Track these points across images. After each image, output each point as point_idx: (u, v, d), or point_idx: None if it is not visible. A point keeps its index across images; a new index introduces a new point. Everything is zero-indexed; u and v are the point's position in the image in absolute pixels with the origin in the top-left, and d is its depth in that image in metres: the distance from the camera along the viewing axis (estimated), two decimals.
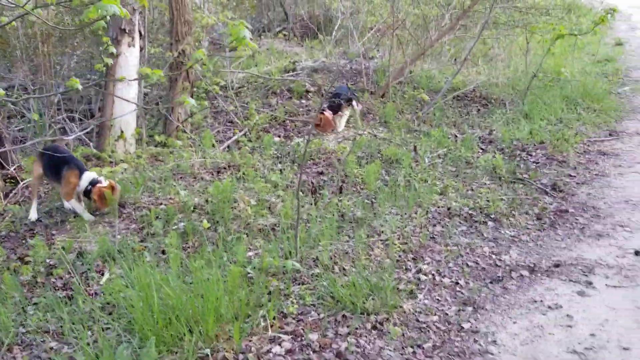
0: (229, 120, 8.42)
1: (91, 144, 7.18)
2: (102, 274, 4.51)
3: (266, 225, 5.07)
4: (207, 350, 3.50)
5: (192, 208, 5.33)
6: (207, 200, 5.47)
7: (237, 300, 3.83)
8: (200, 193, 5.68)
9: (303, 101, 8.89)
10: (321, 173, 6.26)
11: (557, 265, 4.61)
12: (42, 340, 3.79)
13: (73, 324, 3.77)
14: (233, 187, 5.37)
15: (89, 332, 3.73)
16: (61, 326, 3.89)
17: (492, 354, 3.65)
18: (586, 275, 4.46)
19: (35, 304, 4.13)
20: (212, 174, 6.26)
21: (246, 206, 5.12)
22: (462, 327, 3.89)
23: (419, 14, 9.02)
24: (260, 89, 9.33)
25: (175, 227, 5.08)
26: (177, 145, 6.89)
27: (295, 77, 9.58)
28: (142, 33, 7.44)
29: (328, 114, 7.21)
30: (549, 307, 4.09)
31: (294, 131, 7.68)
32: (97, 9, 2.95)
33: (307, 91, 9.09)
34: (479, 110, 8.53)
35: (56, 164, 5.36)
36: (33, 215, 5.41)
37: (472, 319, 3.97)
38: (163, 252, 4.72)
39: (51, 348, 3.72)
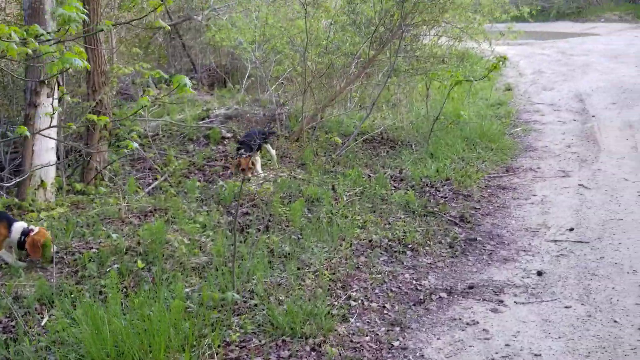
0: (147, 168, 8.56)
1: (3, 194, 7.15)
2: (42, 316, 4.60)
3: (199, 264, 5.29)
4: None
5: (124, 250, 5.49)
6: (138, 242, 5.65)
7: (183, 332, 4.05)
8: (130, 236, 5.84)
9: (220, 147, 9.17)
10: (247, 213, 6.54)
11: (471, 287, 5.08)
12: None
13: None
14: (164, 228, 5.56)
15: None
16: None
17: None
18: (497, 294, 4.95)
19: None
20: (140, 218, 6.42)
21: (180, 245, 5.33)
22: (393, 345, 4.26)
23: (328, 63, 9.53)
24: (175, 136, 9.54)
25: (109, 268, 5.22)
26: (100, 192, 7.00)
27: (210, 124, 9.86)
28: (61, 84, 7.56)
29: (246, 156, 7.49)
30: (467, 323, 4.53)
31: (214, 176, 7.92)
32: (62, 62, 3.15)
33: (223, 137, 9.39)
34: (387, 151, 9.07)
35: None
36: None
37: (401, 337, 4.35)
38: (100, 293, 4.85)
39: None
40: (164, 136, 9.58)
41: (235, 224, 4.98)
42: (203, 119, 10.45)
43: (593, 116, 10.85)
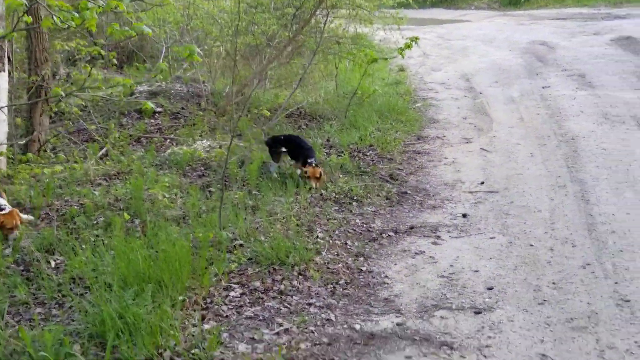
0: (84, 140, 9.01)
1: None
2: (49, 261, 5.18)
3: (177, 215, 6.02)
4: (181, 297, 4.47)
5: (105, 205, 6.11)
6: (116, 199, 6.27)
7: (190, 264, 4.82)
8: (105, 194, 6.44)
9: (152, 120, 9.75)
10: (202, 175, 7.28)
11: (412, 228, 6.14)
12: (27, 307, 4.48)
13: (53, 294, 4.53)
14: (143, 186, 6.23)
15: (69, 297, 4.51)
16: (37, 298, 4.61)
17: (388, 282, 5.04)
18: (434, 232, 6.03)
19: None
20: (107, 180, 7.01)
21: (163, 198, 6.02)
22: (361, 270, 5.24)
23: (249, 42, 10.30)
24: (105, 111, 9.99)
25: (96, 221, 5.84)
26: (60, 159, 7.45)
27: (136, 100, 10.35)
28: (10, 59, 7.90)
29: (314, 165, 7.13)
30: (416, 253, 5.58)
31: (156, 145, 8.52)
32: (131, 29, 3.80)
33: (155, 112, 9.95)
34: (306, 124, 10.00)
35: None
36: None
37: (366, 265, 5.34)
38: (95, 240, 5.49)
39: (39, 313, 4.42)
40: (95, 111, 9.99)
41: (223, 177, 5.74)
42: (126, 95, 10.90)
43: (480, 93, 12.28)
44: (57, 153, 8.33)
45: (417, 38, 9.40)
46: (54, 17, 3.60)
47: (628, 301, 4.56)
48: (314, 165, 6.99)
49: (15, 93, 8.58)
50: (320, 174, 6.91)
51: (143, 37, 14.67)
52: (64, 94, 5.11)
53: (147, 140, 8.97)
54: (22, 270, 5.05)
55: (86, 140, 9.04)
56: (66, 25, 3.64)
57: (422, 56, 17.38)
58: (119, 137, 8.70)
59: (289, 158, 7.41)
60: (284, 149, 7.41)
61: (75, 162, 7.27)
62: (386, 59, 10.33)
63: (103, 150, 8.37)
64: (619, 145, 8.28)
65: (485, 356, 4.00)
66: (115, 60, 12.95)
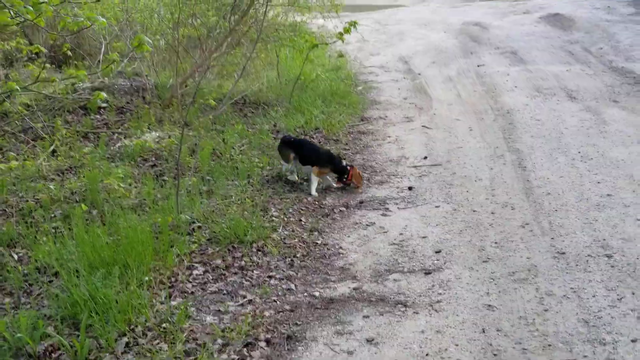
0: (32, 138, 9.00)
1: None
2: (10, 255, 5.29)
3: (134, 204, 6.17)
4: (146, 278, 4.66)
5: (62, 199, 6.21)
6: (72, 192, 6.38)
7: (152, 246, 5.00)
8: (60, 188, 6.53)
9: (98, 116, 9.79)
10: (154, 165, 7.42)
11: (361, 202, 6.44)
12: None
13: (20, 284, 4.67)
14: (98, 177, 6.35)
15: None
16: (4, 289, 4.74)
17: (342, 253, 5.32)
18: (382, 205, 6.34)
19: None
20: (59, 175, 7.08)
21: (119, 188, 6.16)
22: (317, 243, 5.51)
23: (189, 34, 10.43)
24: (50, 110, 9.97)
25: (54, 214, 5.95)
26: (10, 158, 7.46)
27: (79, 97, 10.37)
28: None
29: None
30: (367, 224, 5.88)
31: (106, 139, 8.60)
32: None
33: (99, 107, 9.99)
34: (252, 112, 10.19)
35: None
36: None
37: (320, 238, 5.61)
38: (55, 232, 5.61)
39: (7, 302, 4.54)
40: (39, 109, 9.97)
41: (177, 163, 5.91)
42: (68, 92, 10.88)
43: (419, 74, 12.67)
44: (4, 153, 8.33)
45: (355, 22, 9.67)
46: (10, 11, 3.71)
47: (564, 253, 4.96)
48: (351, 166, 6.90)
49: None
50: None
51: (80, 35, 14.57)
52: (19, 88, 5.15)
53: (95, 136, 9.01)
54: None
55: (33, 139, 9.03)
56: (22, 20, 3.76)
57: (360, 41, 17.65)
58: (66, 134, 8.73)
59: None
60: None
61: (25, 159, 7.30)
62: (326, 44, 10.61)
63: (51, 148, 8.40)
64: (551, 116, 8.76)
65: (436, 310, 4.33)
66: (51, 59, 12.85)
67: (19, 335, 3.91)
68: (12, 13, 3.69)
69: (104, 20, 4.20)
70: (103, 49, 12.77)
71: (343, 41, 10.02)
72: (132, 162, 7.46)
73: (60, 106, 9.94)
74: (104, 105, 10.07)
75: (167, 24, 10.76)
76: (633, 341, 3.81)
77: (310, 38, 10.27)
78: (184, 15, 10.24)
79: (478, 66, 12.61)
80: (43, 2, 3.96)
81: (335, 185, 6.89)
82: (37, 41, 15.14)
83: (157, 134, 8.50)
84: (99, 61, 13.12)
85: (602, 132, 7.89)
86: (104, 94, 5.01)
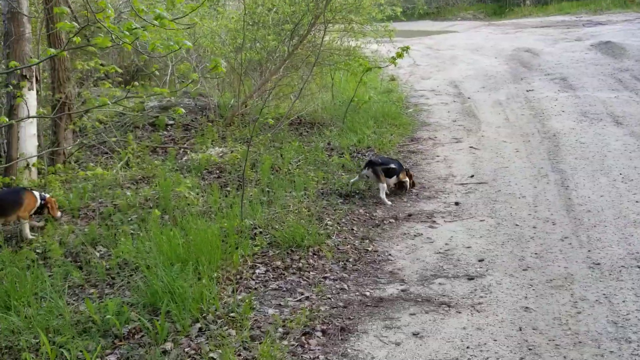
0: (102, 152, 9.74)
1: None
2: (94, 251, 5.91)
3: (201, 211, 6.75)
4: (215, 274, 5.20)
5: (137, 205, 6.84)
6: (146, 199, 7.01)
7: (220, 247, 5.55)
8: (135, 195, 7.17)
9: (165, 132, 10.49)
10: (218, 177, 8.02)
11: (410, 215, 6.89)
12: (82, 289, 5.21)
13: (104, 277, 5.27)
14: (171, 186, 6.97)
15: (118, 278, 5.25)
16: (89, 281, 5.34)
17: (391, 259, 5.78)
18: (430, 218, 6.78)
19: (50, 275, 5.41)
20: (134, 184, 7.74)
21: (190, 195, 6.76)
22: (367, 250, 5.98)
23: (251, 58, 11.09)
24: (121, 126, 10.73)
25: (130, 218, 6.57)
26: (89, 168, 8.16)
27: (156, 113, 11.11)
28: (38, 78, 8.64)
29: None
30: (414, 235, 6.33)
31: (173, 154, 9.26)
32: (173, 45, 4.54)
33: (167, 124, 10.71)
34: (307, 131, 10.76)
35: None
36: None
37: (371, 246, 6.08)
38: (131, 234, 6.21)
39: (92, 292, 5.14)
40: (110, 125, 10.73)
41: (244, 174, 6.48)
42: (138, 110, 11.65)
43: (469, 98, 13.07)
44: (80, 164, 9.06)
45: (408, 47, 10.18)
46: (112, 36, 4.33)
47: (599, 264, 5.32)
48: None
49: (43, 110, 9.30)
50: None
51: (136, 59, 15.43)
52: (110, 102, 5.79)
53: (163, 150, 9.69)
54: (71, 261, 5.77)
55: (105, 152, 9.77)
56: (119, 42, 4.37)
57: (411, 66, 18.15)
58: (137, 148, 9.43)
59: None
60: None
61: (104, 169, 7.99)
62: (379, 67, 11.13)
63: (124, 160, 9.10)
64: (596, 139, 9.07)
65: (477, 311, 4.75)
66: (119, 78, 13.72)
67: (108, 316, 4.48)
68: (113, 38, 4.30)
69: (190, 44, 4.78)
70: (170, 70, 13.58)
71: (395, 65, 10.52)
72: (198, 174, 8.06)
73: (131, 122, 10.69)
74: (171, 122, 10.79)
75: (230, 47, 11.43)
76: None
77: (364, 62, 10.79)
78: (246, 40, 10.89)
79: (527, 91, 12.95)
80: (135, 28, 4.57)
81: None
82: (107, 62, 16.09)
83: (221, 149, 9.11)
84: (164, 82, 13.94)
85: None
86: (182, 109, 5.56)
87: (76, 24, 4.83)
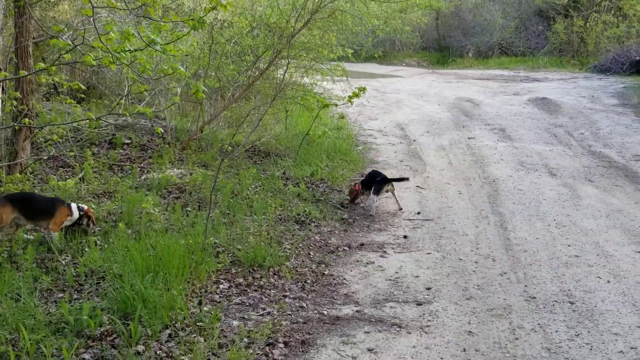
0: (59, 166, 9.89)
1: None
2: (58, 260, 6.13)
3: (164, 227, 7.04)
4: (181, 287, 5.51)
5: (100, 218, 7.08)
6: (109, 212, 7.26)
7: (186, 262, 5.86)
8: (97, 209, 7.39)
9: (122, 151, 10.71)
10: (177, 197, 8.31)
11: (362, 244, 7.35)
12: (50, 293, 5.43)
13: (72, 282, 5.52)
14: (139, 200, 7.24)
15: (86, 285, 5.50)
16: (57, 286, 5.57)
17: (346, 283, 6.20)
18: (381, 248, 7.25)
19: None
20: (95, 197, 7.95)
21: (154, 211, 7.04)
22: (324, 273, 6.39)
23: (213, 85, 11.47)
24: (76, 140, 10.88)
25: (93, 230, 6.81)
26: (51, 182, 8.30)
27: (102, 132, 11.31)
28: (4, 88, 8.79)
29: (358, 185, 8.96)
30: (367, 263, 6.78)
31: (136, 172, 9.47)
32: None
33: (124, 143, 10.94)
34: (261, 159, 11.16)
35: None
36: None
37: (327, 270, 6.50)
38: (95, 244, 6.45)
39: (61, 297, 5.37)
40: (66, 140, 10.87)
41: (211, 195, 6.82)
42: (94, 128, 11.81)
43: (414, 140, 13.74)
44: (35, 175, 9.20)
45: (364, 88, 10.77)
46: (112, 56, 4.66)
47: (534, 298, 5.87)
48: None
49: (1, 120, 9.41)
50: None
51: (100, 74, 15.57)
52: (94, 118, 6.07)
53: (119, 168, 9.90)
54: (37, 267, 5.96)
55: (61, 166, 9.91)
56: (118, 63, 4.71)
57: (359, 106, 18.75)
58: (94, 164, 9.62)
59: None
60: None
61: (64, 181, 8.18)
62: (336, 104, 11.67)
63: (81, 174, 9.27)
64: (532, 187, 9.78)
65: (426, 332, 5.20)
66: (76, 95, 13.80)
67: (84, 317, 4.74)
68: (113, 57, 4.64)
69: (184, 70, 5.15)
70: (127, 90, 13.77)
71: (352, 104, 11.07)
72: (158, 193, 8.33)
73: (88, 138, 10.87)
74: (127, 141, 11.02)
75: (190, 73, 11.77)
76: None
77: (321, 98, 11.32)
78: (208, 67, 11.27)
79: (469, 138, 13.71)
80: (129, 50, 4.93)
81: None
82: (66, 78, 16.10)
83: (180, 171, 9.41)
84: (117, 102, 14.11)
85: (576, 205, 8.89)
86: (161, 129, 5.88)
87: (69, 42, 5.13)
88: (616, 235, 7.64)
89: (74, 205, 6.57)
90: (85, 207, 6.69)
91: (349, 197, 9.08)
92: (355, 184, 9.12)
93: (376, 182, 8.69)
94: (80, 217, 6.60)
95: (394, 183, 8.87)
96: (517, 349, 4.95)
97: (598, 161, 11.63)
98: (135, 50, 4.74)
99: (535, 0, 34.48)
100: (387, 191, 8.81)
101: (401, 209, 8.80)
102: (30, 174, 9.33)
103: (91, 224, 6.69)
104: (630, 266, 6.70)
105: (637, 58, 25.33)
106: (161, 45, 4.97)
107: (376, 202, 8.67)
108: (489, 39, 34.31)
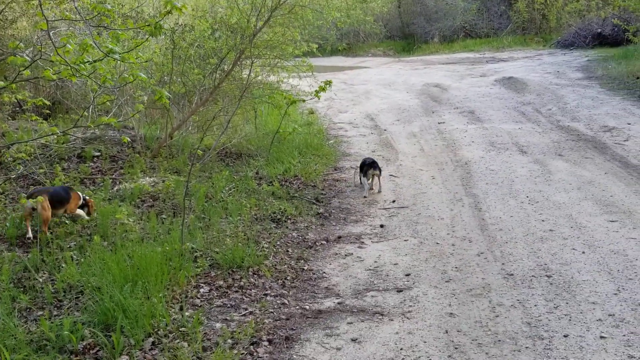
0: (31, 184, 9.79)
1: None
2: (37, 276, 6.08)
3: (140, 237, 7.01)
4: (161, 294, 5.50)
5: (74, 232, 7.03)
6: (83, 227, 7.21)
7: (164, 269, 5.85)
8: (71, 224, 7.34)
9: (92, 164, 10.63)
10: (151, 206, 8.27)
11: (339, 237, 7.38)
12: (29, 311, 5.39)
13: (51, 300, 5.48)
14: (113, 212, 7.20)
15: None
16: (36, 304, 5.53)
17: (326, 276, 6.23)
18: (358, 239, 7.28)
19: None
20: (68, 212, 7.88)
21: (128, 221, 7.01)
22: (303, 269, 6.42)
23: (179, 91, 11.42)
24: (45, 157, 10.78)
25: (69, 245, 6.76)
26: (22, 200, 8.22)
27: (71, 146, 11.21)
28: None
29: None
30: (346, 255, 6.81)
31: (108, 183, 9.41)
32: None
33: (93, 156, 10.86)
34: (233, 161, 11.14)
35: None
36: None
37: (306, 265, 6.52)
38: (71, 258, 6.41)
39: (40, 314, 5.33)
40: (35, 157, 10.76)
41: (184, 201, 6.80)
42: (63, 142, 11.70)
43: (385, 130, 13.80)
44: (6, 196, 9.10)
45: (330, 82, 10.79)
46: (71, 68, 4.63)
47: (512, 275, 5.95)
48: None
49: None
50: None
51: (65, 89, 15.43)
52: (60, 132, 6.02)
53: (91, 182, 9.83)
54: (14, 287, 5.91)
55: (32, 184, 9.81)
56: (76, 75, 4.68)
57: (328, 100, 18.79)
58: (64, 179, 9.53)
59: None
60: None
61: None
62: (303, 100, 11.68)
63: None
64: (504, 167, 9.88)
65: (408, 318, 5.25)
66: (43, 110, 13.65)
67: (65, 332, 4.72)
68: (72, 70, 4.60)
69: (145, 77, 5.13)
70: (92, 102, 13.64)
71: (319, 98, 11.11)
72: (132, 203, 8.29)
73: (56, 154, 10.77)
74: (97, 154, 10.94)
75: (154, 80, 11.70)
76: (565, 336, 4.77)
77: (288, 95, 11.32)
78: (171, 73, 11.21)
79: (439, 123, 13.81)
80: (87, 61, 4.90)
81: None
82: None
83: (152, 179, 9.37)
84: (82, 115, 13.99)
85: (548, 180, 9.00)
86: (128, 138, 5.84)
87: (28, 58, 5.08)
88: (588, 207, 7.76)
89: (79, 193, 7.53)
90: (87, 197, 7.67)
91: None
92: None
93: (365, 165, 9.37)
94: (82, 206, 7.52)
95: (380, 167, 9.36)
96: (498, 326, 5.01)
97: (567, 135, 11.78)
98: (95, 60, 4.70)
99: None
100: (373, 175, 9.29)
101: (380, 191, 9.29)
102: (1, 194, 9.23)
103: (90, 212, 7.58)
104: (604, 236, 6.81)
105: (599, 31, 25.67)
106: (120, 54, 4.93)
107: (367, 184, 9.25)
108: (452, 23, 34.51)
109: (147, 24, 4.76)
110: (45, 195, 6.99)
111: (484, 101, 16.05)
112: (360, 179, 9.46)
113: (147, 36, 5.67)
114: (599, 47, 24.89)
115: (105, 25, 4.96)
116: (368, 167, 9.29)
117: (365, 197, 9.02)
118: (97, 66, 4.68)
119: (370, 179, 9.28)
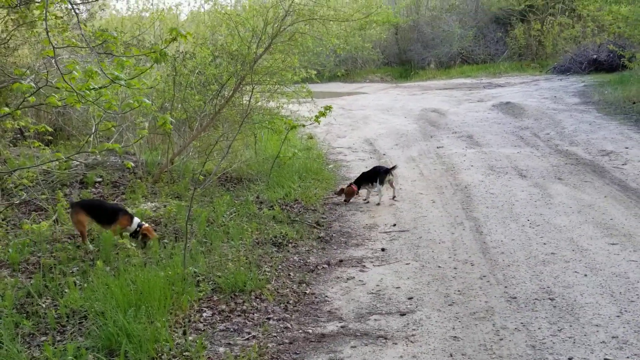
0: (33, 210, 9.81)
1: None
2: (40, 302, 6.08)
3: (142, 261, 7.01)
4: (163, 319, 5.50)
5: (78, 257, 7.04)
6: (85, 252, 7.22)
7: (167, 293, 5.85)
8: (73, 249, 7.35)
9: (94, 189, 10.66)
10: (154, 229, 8.28)
11: (341, 261, 7.39)
12: (32, 337, 5.39)
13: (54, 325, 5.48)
14: (112, 237, 7.21)
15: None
16: (39, 330, 5.52)
17: (328, 300, 6.23)
18: (360, 263, 7.29)
19: None
20: (70, 238, 7.90)
21: (130, 246, 7.02)
22: (305, 292, 6.42)
23: (179, 117, 11.49)
24: (47, 183, 10.81)
25: (71, 270, 6.77)
26: (25, 226, 8.24)
27: (77, 172, 11.25)
28: None
29: (354, 186, 10.06)
30: (347, 278, 6.82)
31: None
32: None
33: (95, 182, 10.89)
34: (234, 186, 11.18)
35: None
36: None
37: (308, 289, 6.52)
38: (74, 284, 6.41)
39: (44, 340, 5.33)
40: (37, 183, 10.79)
41: (187, 226, 6.82)
42: (65, 168, 11.74)
43: (384, 154, 13.87)
44: (8, 222, 9.11)
45: (330, 107, 10.88)
46: (76, 94, 4.68)
47: (515, 298, 5.96)
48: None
49: None
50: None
51: (66, 116, 15.51)
52: (64, 158, 6.06)
53: None
54: (17, 312, 5.91)
55: (34, 210, 9.83)
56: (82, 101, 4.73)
57: (327, 125, 18.88)
58: (66, 205, 9.55)
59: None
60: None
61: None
62: (304, 125, 11.76)
63: (55, 216, 9.21)
64: (504, 190, 9.92)
65: (412, 342, 5.25)
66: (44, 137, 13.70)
67: (69, 358, 4.71)
68: (78, 96, 4.66)
69: (149, 102, 5.18)
70: (94, 128, 13.71)
71: (319, 123, 11.17)
72: None
73: (58, 180, 10.80)
74: (99, 179, 10.98)
75: (156, 107, 11.78)
76: (570, 359, 4.78)
77: (288, 120, 11.39)
78: (174, 99, 11.30)
79: (437, 148, 13.88)
80: (93, 88, 4.95)
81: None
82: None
83: (153, 204, 9.39)
84: (86, 141, 14.05)
85: (548, 203, 9.05)
86: (131, 163, 5.88)
87: (33, 84, 5.14)
88: (589, 230, 7.79)
89: (136, 220, 7.48)
90: (145, 225, 7.51)
91: (344, 199, 10.15)
92: (350, 184, 10.18)
93: (381, 173, 9.95)
94: (136, 232, 7.43)
95: (393, 172, 10.02)
96: (503, 349, 5.01)
97: (566, 159, 11.85)
98: (101, 87, 4.76)
99: (491, 7, 35.20)
100: (388, 181, 9.99)
101: (394, 197, 10.13)
102: (3, 220, 9.24)
103: (147, 240, 7.45)
104: (605, 258, 6.83)
105: (595, 57, 25.91)
106: (125, 80, 4.99)
107: (382, 192, 9.98)
108: (449, 50, 34.81)
109: (152, 50, 4.82)
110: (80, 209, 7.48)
111: (482, 126, 16.15)
112: (376, 187, 9.97)
113: (151, 63, 5.73)
114: (595, 73, 25.12)
115: (111, 52, 5.02)
116: (384, 174, 9.87)
117: (378, 204, 9.85)
118: (103, 92, 4.73)
119: (385, 186, 9.93)
